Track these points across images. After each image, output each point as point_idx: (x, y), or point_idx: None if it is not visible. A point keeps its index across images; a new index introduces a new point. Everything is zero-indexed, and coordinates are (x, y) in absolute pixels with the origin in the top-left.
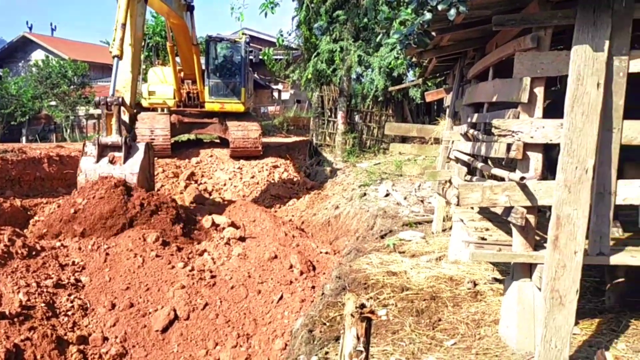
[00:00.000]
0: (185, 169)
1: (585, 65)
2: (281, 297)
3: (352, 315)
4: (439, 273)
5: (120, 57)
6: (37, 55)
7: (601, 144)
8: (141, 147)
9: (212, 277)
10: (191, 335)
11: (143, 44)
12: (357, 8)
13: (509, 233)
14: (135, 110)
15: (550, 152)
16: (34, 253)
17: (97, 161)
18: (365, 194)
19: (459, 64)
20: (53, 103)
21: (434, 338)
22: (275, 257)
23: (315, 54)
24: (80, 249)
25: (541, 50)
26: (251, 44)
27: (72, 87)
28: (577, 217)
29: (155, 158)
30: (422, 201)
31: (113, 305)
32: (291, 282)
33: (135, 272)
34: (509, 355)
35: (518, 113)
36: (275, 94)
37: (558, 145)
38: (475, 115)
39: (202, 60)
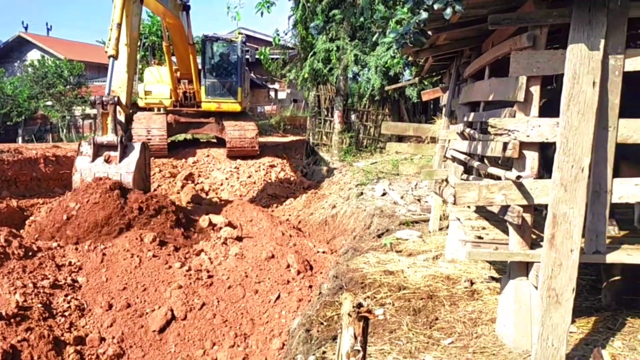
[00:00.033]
0: (182, 169)
1: (581, 64)
2: (278, 297)
3: (349, 314)
4: (436, 272)
5: (115, 57)
6: (33, 55)
7: (597, 143)
8: (137, 146)
9: (209, 277)
10: (188, 335)
11: (139, 43)
12: (353, 7)
13: (506, 232)
14: (131, 111)
15: (546, 151)
16: (30, 254)
17: (93, 160)
18: (362, 193)
19: (455, 63)
20: (49, 103)
21: (431, 337)
22: (273, 256)
23: (311, 53)
24: (77, 249)
25: (537, 49)
26: (247, 44)
27: (68, 87)
28: (573, 216)
29: (152, 158)
30: (418, 200)
31: (110, 306)
32: (288, 281)
33: (132, 272)
34: (506, 353)
35: (514, 112)
36: (272, 94)
37: (554, 144)
38: (472, 114)
39: (199, 59)
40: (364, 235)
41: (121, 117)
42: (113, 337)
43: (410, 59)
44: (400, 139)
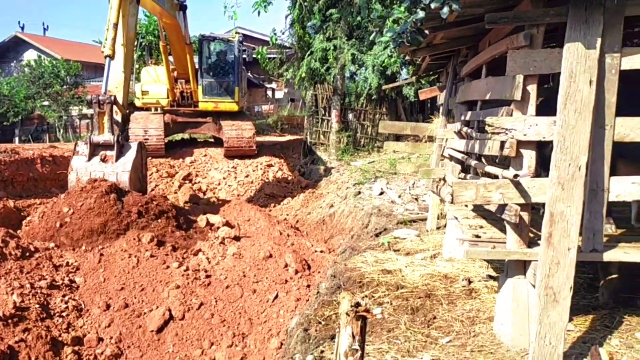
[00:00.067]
0: (179, 169)
1: (577, 62)
2: (276, 296)
3: (347, 313)
4: (434, 271)
5: (112, 57)
6: (30, 55)
7: (594, 141)
8: (134, 146)
9: (207, 276)
10: (186, 335)
11: (136, 43)
12: (351, 6)
13: (503, 230)
14: (127, 111)
15: (543, 150)
16: (27, 254)
17: (89, 160)
18: (359, 193)
19: (452, 62)
20: (46, 103)
21: (429, 336)
22: (270, 256)
23: (308, 52)
24: (74, 249)
25: (534, 48)
26: (244, 43)
27: (64, 87)
28: (570, 214)
29: (149, 158)
30: (416, 199)
31: (108, 306)
32: (286, 281)
33: (130, 272)
34: (504, 352)
35: (511, 111)
36: (269, 93)
37: (551, 142)
38: (469, 113)
39: (196, 59)
40: (362, 234)
41: (118, 117)
42: (111, 338)
43: (407, 58)
44: (398, 138)
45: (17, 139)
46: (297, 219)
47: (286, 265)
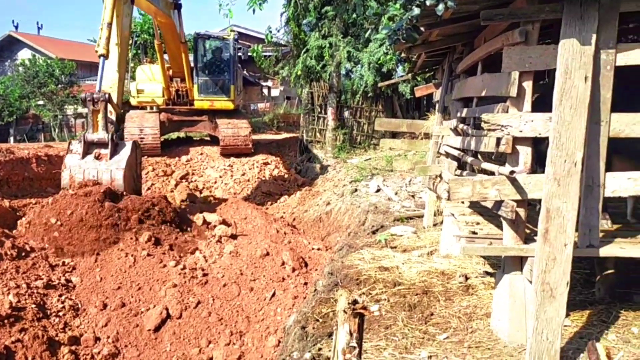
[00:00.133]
0: (175, 168)
1: (572, 58)
2: (274, 294)
3: (344, 311)
4: (431, 267)
5: (106, 57)
6: (24, 54)
7: (589, 137)
8: (128, 144)
9: (204, 275)
10: (184, 333)
11: (131, 42)
12: (346, 4)
13: (500, 227)
14: (122, 110)
15: (539, 146)
16: (23, 254)
17: (83, 158)
18: (356, 190)
19: (447, 58)
20: (41, 102)
21: (426, 332)
22: (267, 254)
23: (304, 50)
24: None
25: (529, 45)
26: (240, 41)
27: (59, 86)
28: (566, 210)
29: (145, 157)
30: (413, 196)
31: (105, 305)
32: (283, 279)
33: (126, 271)
34: (501, 347)
35: (507, 107)
36: (265, 91)
37: (547, 138)
38: (465, 109)
39: (191, 57)
40: (359, 231)
41: (112, 117)
42: (108, 337)
43: (403, 55)
44: (394, 135)
45: (12, 138)
46: (293, 216)
47: (283, 263)
